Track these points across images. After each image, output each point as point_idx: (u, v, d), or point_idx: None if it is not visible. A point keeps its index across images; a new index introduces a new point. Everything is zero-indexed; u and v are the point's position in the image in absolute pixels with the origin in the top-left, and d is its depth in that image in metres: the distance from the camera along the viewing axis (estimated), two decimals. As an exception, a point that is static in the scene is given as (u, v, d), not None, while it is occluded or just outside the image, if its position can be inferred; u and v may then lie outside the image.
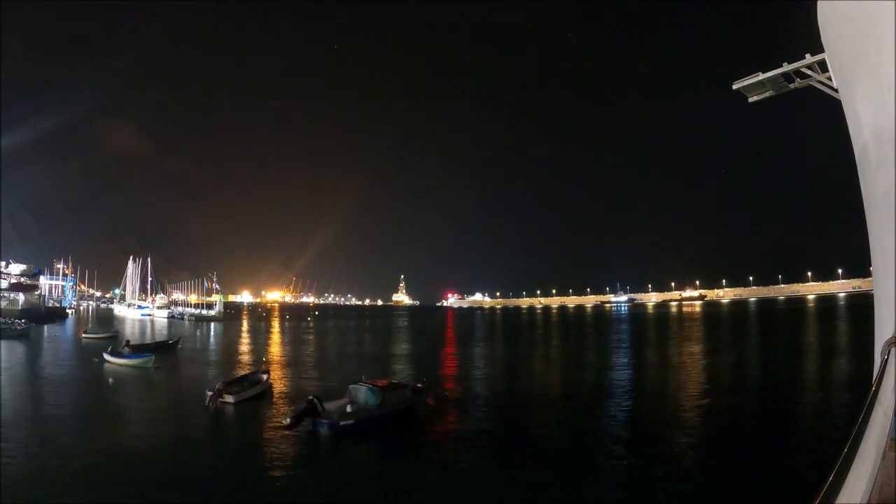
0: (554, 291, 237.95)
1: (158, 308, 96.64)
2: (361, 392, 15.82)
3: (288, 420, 14.40)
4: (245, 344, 45.84)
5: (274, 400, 19.67)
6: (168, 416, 17.69)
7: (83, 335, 47.03)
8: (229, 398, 18.30)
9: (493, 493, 10.88)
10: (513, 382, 24.82)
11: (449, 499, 10.75)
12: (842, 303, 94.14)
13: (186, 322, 78.54)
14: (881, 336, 5.29)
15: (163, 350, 35.29)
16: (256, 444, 14.29)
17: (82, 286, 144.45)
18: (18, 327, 49.25)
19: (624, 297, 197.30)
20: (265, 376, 21.81)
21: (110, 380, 24.07)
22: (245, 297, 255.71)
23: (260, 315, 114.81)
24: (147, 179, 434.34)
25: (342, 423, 14.42)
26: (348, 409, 15.07)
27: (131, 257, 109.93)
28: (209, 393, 18.23)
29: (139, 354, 29.72)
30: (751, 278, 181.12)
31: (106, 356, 29.44)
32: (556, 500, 10.51)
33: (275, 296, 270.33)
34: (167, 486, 11.09)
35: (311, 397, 15.02)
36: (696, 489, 10.83)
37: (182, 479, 11.49)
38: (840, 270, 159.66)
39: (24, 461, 12.41)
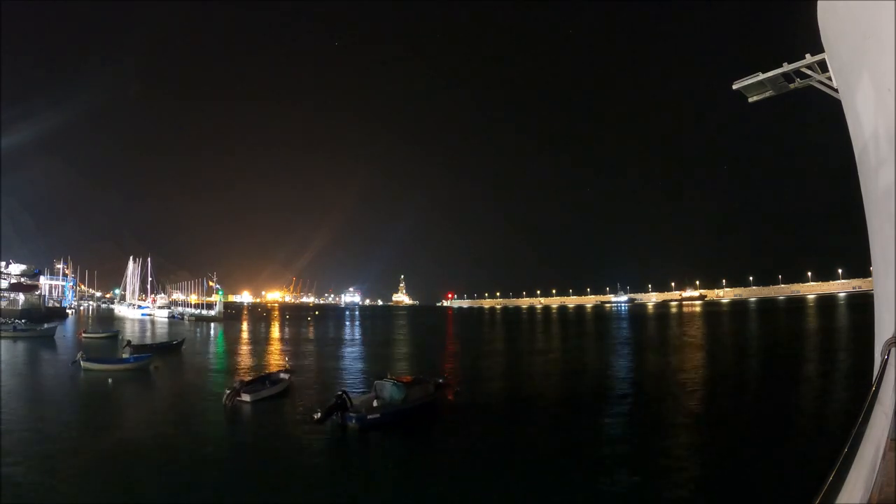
0: (554, 291, 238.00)
1: (159, 308, 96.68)
2: (387, 387, 16.65)
3: (318, 414, 15.04)
4: (246, 344, 45.87)
5: (295, 398, 19.89)
6: (185, 414, 17.95)
7: (83, 335, 46.99)
8: (246, 397, 18.59)
9: (506, 483, 11.16)
10: (526, 378, 25.01)
11: (466, 488, 11.13)
12: (842, 303, 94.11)
13: (186, 322, 78.56)
14: (881, 336, 5.28)
15: (166, 351, 35.19)
16: (291, 436, 15.09)
17: (82, 286, 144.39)
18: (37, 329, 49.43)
19: (624, 297, 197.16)
20: (286, 376, 22.09)
21: (109, 381, 23.95)
22: (245, 297, 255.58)
23: (260, 315, 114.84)
24: (147, 179, 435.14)
25: (369, 416, 15.19)
26: (374, 403, 15.83)
27: (131, 257, 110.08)
28: (227, 391, 18.54)
29: (131, 358, 28.37)
30: (751, 278, 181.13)
31: (82, 363, 26.33)
32: (564, 493, 10.55)
33: (275, 296, 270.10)
34: (189, 481, 11.33)
35: (340, 392, 15.79)
36: (696, 489, 10.84)
37: (199, 473, 11.77)
38: (840, 270, 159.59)
39: (23, 464, 12.43)
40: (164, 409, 18.99)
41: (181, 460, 12.66)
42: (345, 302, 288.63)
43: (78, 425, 16.38)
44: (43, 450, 13.40)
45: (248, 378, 21.82)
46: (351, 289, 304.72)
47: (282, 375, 22.08)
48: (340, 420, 15.06)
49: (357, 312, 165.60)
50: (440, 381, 18.83)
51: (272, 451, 13.74)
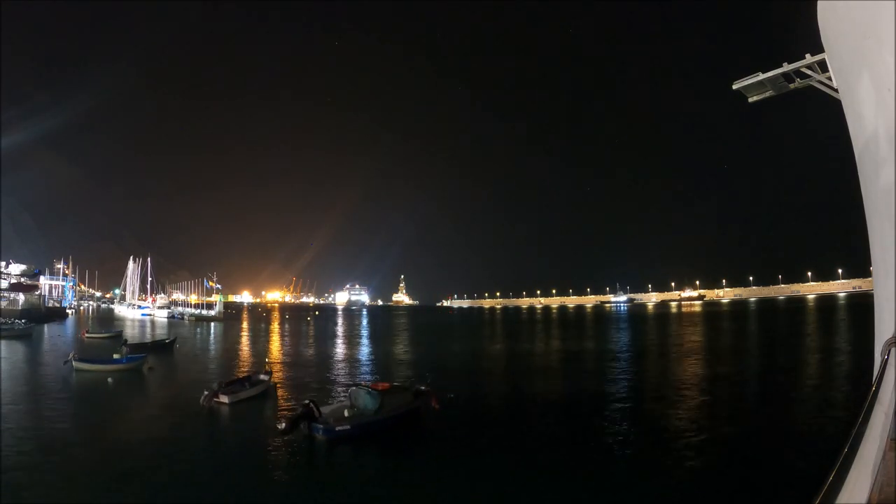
0: (554, 291, 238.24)
1: (159, 308, 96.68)
2: (361, 395, 15.51)
3: (283, 425, 14.02)
4: (245, 344, 45.88)
5: (274, 401, 19.59)
6: (160, 418, 17.42)
7: (85, 335, 46.93)
8: (224, 399, 18.20)
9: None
10: (517, 383, 24.89)
11: None
12: (842, 303, 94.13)
13: (186, 322, 78.60)
14: (881, 336, 5.28)
15: (159, 350, 35.16)
16: (248, 448, 13.97)
17: (82, 286, 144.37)
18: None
19: (623, 297, 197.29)
20: (266, 377, 21.79)
21: (109, 380, 23.94)
22: (245, 297, 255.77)
23: (260, 315, 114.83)
24: (147, 179, 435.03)
25: (338, 428, 14.04)
26: (346, 413, 14.71)
27: (131, 257, 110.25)
28: (205, 393, 18.16)
29: (124, 358, 27.95)
30: (751, 278, 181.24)
31: (74, 363, 25.98)
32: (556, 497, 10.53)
33: (275, 296, 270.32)
34: (151, 493, 10.84)
35: (307, 401, 14.67)
36: (697, 489, 10.84)
37: (166, 485, 11.21)
38: (840, 270, 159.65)
39: (17, 464, 12.43)
40: (148, 410, 18.73)
41: (136, 469, 12.07)
42: (348, 300, 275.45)
43: (62, 427, 16.04)
44: (24, 453, 13.29)
45: (227, 379, 21.29)
46: (356, 285, 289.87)
47: (261, 377, 21.79)
48: (307, 431, 14.03)
49: (364, 311, 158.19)
50: (422, 387, 17.35)
51: (229, 463, 12.80)
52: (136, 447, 13.79)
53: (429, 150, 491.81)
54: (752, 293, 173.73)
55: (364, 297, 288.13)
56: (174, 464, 12.44)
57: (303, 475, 12.34)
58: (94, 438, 14.70)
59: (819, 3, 6.74)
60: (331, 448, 13.82)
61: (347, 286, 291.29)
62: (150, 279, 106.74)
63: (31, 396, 20.95)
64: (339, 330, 67.43)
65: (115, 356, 28.91)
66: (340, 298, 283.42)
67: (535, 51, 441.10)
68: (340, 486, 11.62)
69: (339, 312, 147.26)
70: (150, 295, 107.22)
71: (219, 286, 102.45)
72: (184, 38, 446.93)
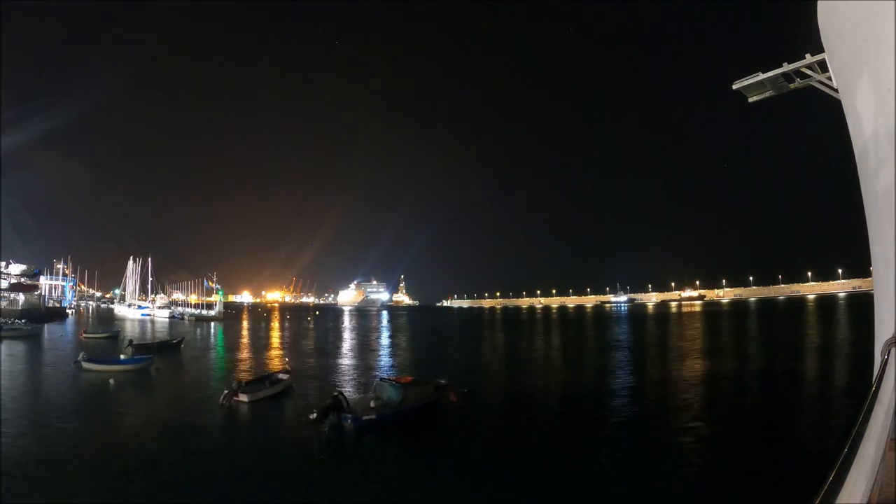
0: (554, 291, 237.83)
1: (159, 308, 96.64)
2: (385, 388, 16.63)
3: (314, 414, 15.13)
4: (246, 343, 45.90)
5: (295, 399, 19.94)
6: (182, 414, 17.81)
7: (84, 335, 46.90)
8: (244, 397, 18.58)
9: (504, 488, 11.04)
10: (530, 378, 25.08)
11: (453, 491, 11.01)
12: (842, 302, 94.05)
13: (187, 322, 78.60)
14: (881, 336, 5.29)
15: (166, 350, 35.12)
16: (280, 438, 14.94)
17: (82, 286, 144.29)
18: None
19: (624, 297, 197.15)
20: (286, 376, 22.14)
21: (111, 381, 23.91)
22: (245, 297, 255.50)
23: (260, 315, 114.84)
24: (147, 179, 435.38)
25: (365, 417, 15.19)
26: (371, 404, 15.77)
27: (131, 257, 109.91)
28: (225, 392, 18.57)
29: (132, 359, 28.08)
30: (751, 278, 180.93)
31: (83, 363, 26.55)
32: (562, 498, 10.55)
33: (275, 296, 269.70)
34: (186, 483, 11.29)
35: (336, 392, 15.87)
36: (696, 489, 10.84)
37: (194, 475, 11.70)
38: (840, 270, 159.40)
39: (24, 463, 12.43)
40: (163, 408, 18.96)
41: (174, 462, 12.55)
42: (365, 298, 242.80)
43: (78, 426, 16.31)
44: (43, 450, 13.39)
45: (247, 378, 21.87)
46: (374, 281, 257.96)
47: (281, 376, 22.17)
48: (336, 420, 15.15)
49: (386, 313, 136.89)
50: (442, 382, 18.57)
51: (263, 451, 13.64)
52: (162, 444, 14.08)
53: (429, 151, 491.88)
54: (752, 293, 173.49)
55: (385, 295, 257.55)
56: (205, 455, 13.15)
57: (333, 459, 13.42)
58: (111, 438, 14.93)
59: (819, 3, 6.75)
60: (358, 436, 14.84)
61: (357, 281, 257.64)
62: (150, 279, 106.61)
63: (43, 395, 21.25)
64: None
65: (122, 356, 28.80)
66: (344, 297, 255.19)
67: (535, 50, 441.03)
68: (366, 468, 12.63)
69: (347, 313, 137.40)
70: (150, 295, 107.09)
71: (219, 286, 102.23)
72: (184, 38, 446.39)
